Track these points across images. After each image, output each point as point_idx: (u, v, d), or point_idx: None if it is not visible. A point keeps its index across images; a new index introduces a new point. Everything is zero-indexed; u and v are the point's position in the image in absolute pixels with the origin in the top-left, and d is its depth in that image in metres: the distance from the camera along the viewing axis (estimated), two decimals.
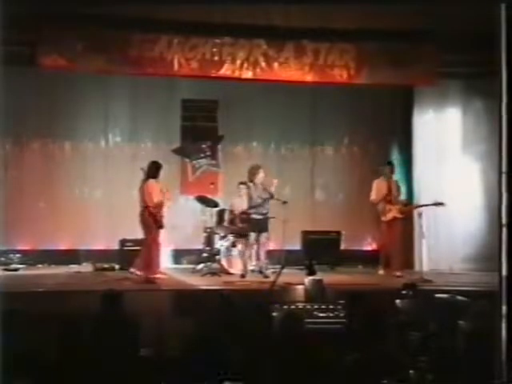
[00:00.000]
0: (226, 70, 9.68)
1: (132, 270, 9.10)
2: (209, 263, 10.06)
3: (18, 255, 10.46)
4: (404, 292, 6.59)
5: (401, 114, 11.33)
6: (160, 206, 9.07)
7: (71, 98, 11.01)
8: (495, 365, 3.85)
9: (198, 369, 4.57)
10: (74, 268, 10.43)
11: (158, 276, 9.00)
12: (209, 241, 10.43)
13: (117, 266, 10.25)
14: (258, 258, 9.68)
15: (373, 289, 8.43)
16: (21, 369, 4.49)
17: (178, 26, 9.37)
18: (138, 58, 9.44)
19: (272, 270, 9.69)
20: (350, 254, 11.10)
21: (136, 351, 5.14)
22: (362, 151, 11.86)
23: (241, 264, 9.86)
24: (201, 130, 11.64)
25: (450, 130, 10.86)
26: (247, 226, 9.69)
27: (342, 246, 11.08)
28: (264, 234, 9.62)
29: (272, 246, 10.61)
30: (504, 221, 3.93)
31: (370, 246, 10.73)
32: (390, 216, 10.05)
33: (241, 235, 10.03)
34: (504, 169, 3.96)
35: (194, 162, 11.70)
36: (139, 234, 9.27)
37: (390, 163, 10.42)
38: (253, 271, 9.94)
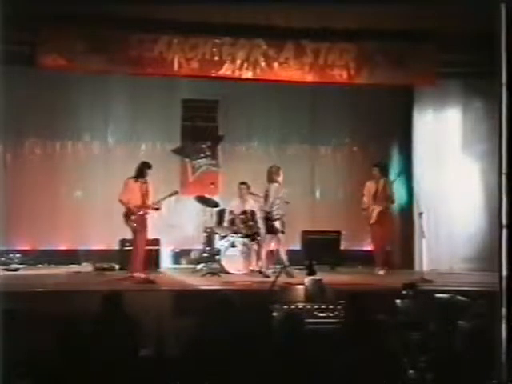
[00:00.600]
0: (225, 70, 9.67)
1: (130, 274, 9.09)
2: (209, 263, 10.07)
3: (17, 255, 10.45)
4: (404, 292, 6.59)
5: (401, 113, 11.32)
6: (138, 207, 9.06)
7: (71, 98, 11.01)
8: (495, 365, 3.85)
9: (198, 369, 4.57)
10: (73, 268, 10.43)
11: (139, 275, 8.95)
12: (209, 241, 10.44)
13: (117, 266, 10.25)
14: (267, 259, 9.67)
15: (373, 289, 8.43)
16: (21, 369, 4.49)
17: (177, 26, 9.37)
18: (137, 58, 9.43)
19: (272, 270, 9.72)
20: (350, 254, 11.09)
21: (136, 351, 5.14)
22: (362, 151, 11.86)
23: (241, 264, 9.87)
24: (201, 130, 11.64)
25: (450, 130, 10.86)
26: (266, 226, 9.70)
27: (342, 246, 11.08)
28: (281, 235, 9.64)
29: (272, 247, 10.62)
30: (504, 221, 3.93)
31: (370, 246, 10.71)
32: (374, 215, 10.16)
33: (247, 235, 10.06)
34: (504, 169, 3.96)
35: (194, 161, 11.70)
36: None
37: (378, 165, 10.44)
38: (253, 271, 9.97)
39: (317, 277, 7.59)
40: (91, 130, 11.36)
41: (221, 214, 10.52)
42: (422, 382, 4.63)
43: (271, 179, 9.71)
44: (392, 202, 10.41)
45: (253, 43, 9.65)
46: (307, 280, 7.43)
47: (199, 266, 10.18)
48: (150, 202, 9.14)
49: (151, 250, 9.87)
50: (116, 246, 10.43)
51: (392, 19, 8.96)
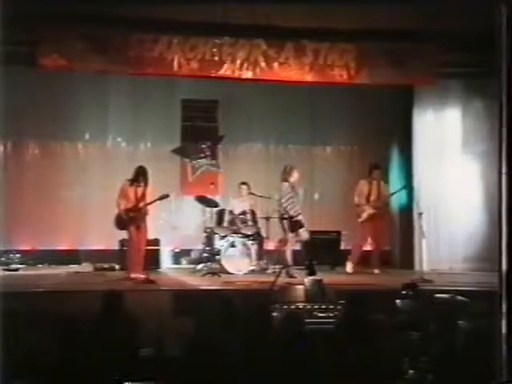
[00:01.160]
0: (225, 70, 9.67)
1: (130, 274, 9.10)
2: (209, 263, 10.07)
3: (18, 255, 10.46)
4: (404, 292, 6.59)
5: (401, 114, 11.32)
6: (127, 210, 9.05)
7: (71, 98, 11.01)
8: (495, 365, 3.85)
9: (198, 369, 4.57)
10: (74, 268, 10.43)
11: (139, 275, 8.95)
12: (209, 241, 10.44)
13: (117, 266, 10.25)
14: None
15: (373, 289, 8.43)
16: (21, 369, 4.49)
17: (177, 26, 9.37)
18: (137, 58, 9.43)
19: (272, 270, 9.73)
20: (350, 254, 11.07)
21: (136, 351, 5.14)
22: (362, 151, 11.85)
23: (241, 264, 9.87)
24: (201, 130, 11.64)
25: (450, 130, 10.85)
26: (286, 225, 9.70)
27: (342, 246, 11.08)
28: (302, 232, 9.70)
29: (272, 246, 10.63)
30: (504, 221, 3.93)
31: (370, 246, 10.70)
32: (364, 216, 10.20)
33: (247, 235, 10.06)
34: (504, 169, 3.96)
35: (194, 162, 11.70)
36: None
37: (374, 165, 10.45)
38: (253, 271, 9.97)
39: (317, 277, 7.60)
40: (91, 130, 11.36)
41: (221, 214, 10.52)
42: (422, 382, 4.63)
43: (283, 179, 9.72)
44: (387, 204, 10.42)
45: (253, 43, 9.65)
46: (307, 280, 7.44)
47: (199, 266, 10.19)
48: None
49: (151, 250, 9.86)
50: (116, 246, 10.44)
51: (392, 19, 8.95)
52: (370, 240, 10.43)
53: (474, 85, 10.24)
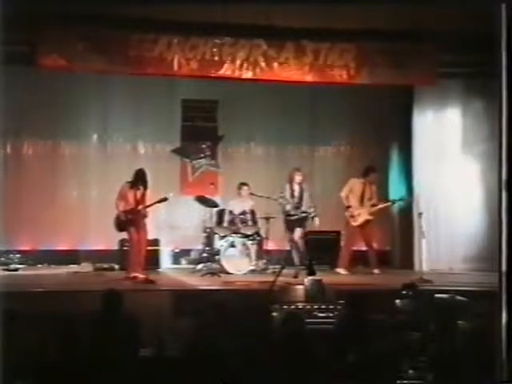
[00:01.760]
0: (225, 70, 9.67)
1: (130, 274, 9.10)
2: (208, 263, 10.07)
3: (17, 255, 10.46)
4: (404, 292, 6.59)
5: (401, 114, 11.32)
6: (126, 212, 9.06)
7: (71, 98, 11.01)
8: (495, 365, 3.85)
9: (197, 369, 4.57)
10: (73, 268, 10.43)
11: (139, 275, 8.94)
12: (208, 241, 10.44)
13: (116, 266, 10.25)
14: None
15: (373, 289, 8.43)
16: (21, 369, 4.49)
17: (177, 26, 9.37)
18: (137, 58, 9.43)
19: (272, 270, 9.72)
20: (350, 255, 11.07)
21: (136, 351, 5.14)
22: (362, 151, 11.85)
23: (241, 264, 9.87)
24: (201, 130, 11.64)
25: (450, 130, 10.86)
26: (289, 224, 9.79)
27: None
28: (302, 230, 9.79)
29: (272, 246, 10.63)
30: (504, 221, 3.93)
31: (365, 247, 10.69)
32: (361, 220, 10.21)
33: (247, 235, 10.06)
34: (504, 169, 3.96)
35: (194, 162, 11.70)
36: None
37: (371, 168, 10.46)
38: (253, 271, 9.97)
39: (317, 277, 7.60)
40: (91, 130, 11.36)
41: (220, 214, 10.51)
42: (422, 382, 4.63)
43: (288, 180, 9.80)
44: (372, 205, 10.41)
45: (253, 43, 9.65)
46: (307, 280, 7.44)
47: (199, 266, 10.18)
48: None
49: (151, 250, 9.86)
50: (116, 246, 10.44)
51: (392, 19, 8.95)
52: (364, 243, 10.42)
53: (474, 85, 10.24)
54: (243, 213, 10.26)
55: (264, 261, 10.30)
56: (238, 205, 10.40)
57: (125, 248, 10.01)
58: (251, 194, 10.40)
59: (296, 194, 9.80)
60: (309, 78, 9.85)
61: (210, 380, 4.49)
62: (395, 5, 8.04)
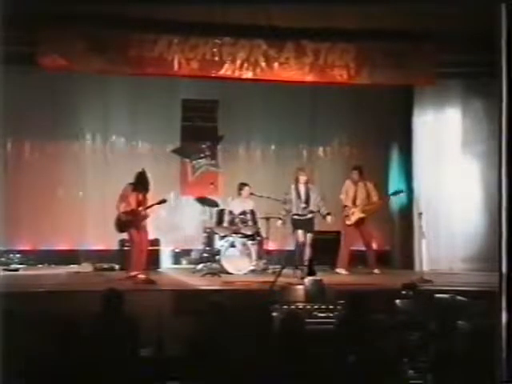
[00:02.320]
0: (226, 70, 9.67)
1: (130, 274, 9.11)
2: (209, 263, 10.07)
3: (18, 255, 10.47)
4: (404, 292, 6.59)
5: (401, 114, 11.32)
6: (126, 213, 9.07)
7: (71, 98, 11.01)
8: (495, 364, 3.85)
9: (197, 369, 4.57)
10: (73, 268, 10.43)
11: (139, 275, 8.94)
12: (209, 241, 10.44)
13: (116, 266, 10.25)
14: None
15: (373, 289, 8.43)
16: (21, 369, 4.49)
17: (177, 26, 9.37)
18: (138, 58, 9.43)
19: (272, 270, 9.73)
20: (350, 254, 11.07)
21: (136, 351, 5.14)
22: (362, 151, 11.84)
23: (241, 264, 9.87)
24: (201, 130, 11.64)
25: (450, 130, 10.86)
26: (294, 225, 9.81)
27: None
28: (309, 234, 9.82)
29: (272, 246, 10.64)
30: (504, 221, 3.93)
31: (364, 247, 10.70)
32: (354, 218, 10.26)
33: (247, 236, 10.06)
34: (504, 169, 3.95)
35: (194, 162, 11.70)
36: None
37: (357, 167, 10.48)
38: (253, 271, 9.98)
39: (317, 277, 7.60)
40: (91, 130, 11.36)
41: (220, 214, 10.51)
42: (422, 382, 4.64)
43: (295, 180, 9.83)
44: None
45: (253, 43, 9.65)
46: (307, 280, 7.44)
47: (199, 266, 10.18)
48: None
49: (151, 250, 9.86)
50: (116, 246, 10.44)
51: (392, 19, 8.95)
52: (362, 243, 10.44)
53: (474, 85, 10.24)
54: (243, 213, 10.26)
55: (264, 261, 10.31)
56: (238, 205, 10.39)
57: (125, 248, 10.02)
58: (251, 194, 10.40)
59: (302, 194, 9.82)
60: (309, 77, 9.86)
61: (210, 379, 4.49)
62: (395, 5, 8.04)
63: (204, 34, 9.53)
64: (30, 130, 11.06)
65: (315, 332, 5.76)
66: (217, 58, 9.61)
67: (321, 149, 12.00)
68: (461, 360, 4.58)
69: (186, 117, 11.60)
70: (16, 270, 10.01)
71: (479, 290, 7.68)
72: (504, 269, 3.91)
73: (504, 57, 3.97)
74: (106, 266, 10.29)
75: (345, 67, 9.82)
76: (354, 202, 10.32)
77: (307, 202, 9.83)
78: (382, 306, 6.10)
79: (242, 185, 10.46)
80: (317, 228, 10.10)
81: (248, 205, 10.40)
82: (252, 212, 10.33)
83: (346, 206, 10.31)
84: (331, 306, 6.80)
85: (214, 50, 9.58)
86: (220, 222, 10.42)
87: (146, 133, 11.53)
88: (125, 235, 9.63)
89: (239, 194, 10.46)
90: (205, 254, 10.34)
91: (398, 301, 6.41)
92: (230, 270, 9.80)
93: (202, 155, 11.71)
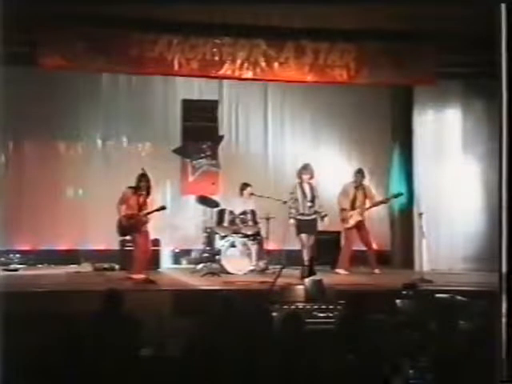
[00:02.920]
0: (226, 70, 9.67)
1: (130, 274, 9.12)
2: (209, 263, 10.07)
3: (17, 255, 10.46)
4: (404, 292, 6.60)
5: (401, 113, 11.32)
6: (127, 217, 9.09)
7: (71, 98, 11.01)
8: (495, 364, 3.85)
9: (198, 369, 4.57)
10: (73, 268, 10.43)
11: (139, 275, 8.95)
12: (209, 241, 10.44)
13: (117, 266, 10.25)
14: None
15: (373, 289, 8.44)
16: (21, 369, 4.50)
17: (178, 26, 9.37)
18: (138, 58, 9.43)
19: (272, 270, 9.72)
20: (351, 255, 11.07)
21: (136, 351, 5.14)
22: (362, 151, 11.83)
23: (241, 264, 9.88)
24: (201, 130, 11.64)
25: (450, 130, 10.86)
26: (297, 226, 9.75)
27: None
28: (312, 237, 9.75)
29: (272, 246, 10.63)
30: (504, 221, 3.93)
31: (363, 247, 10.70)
32: (352, 222, 10.26)
33: (247, 235, 10.04)
34: (504, 169, 3.96)
35: (195, 162, 11.70)
36: None
37: (360, 170, 10.49)
38: (254, 271, 9.98)
39: (317, 277, 7.60)
40: (91, 129, 11.36)
41: (221, 214, 10.50)
42: (422, 382, 4.64)
43: (299, 179, 9.79)
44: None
45: (253, 43, 9.64)
46: (307, 280, 7.44)
47: (199, 266, 10.19)
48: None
49: (151, 249, 9.85)
50: (116, 246, 10.44)
51: (392, 19, 8.95)
52: (362, 244, 10.44)
53: (474, 85, 10.23)
54: (244, 213, 10.25)
55: (264, 261, 10.30)
56: (240, 205, 10.39)
57: (125, 248, 10.02)
58: (252, 194, 10.40)
59: (308, 193, 9.78)
60: (309, 77, 9.85)
61: (210, 379, 4.49)
62: (395, 5, 8.04)
63: (204, 33, 9.53)
64: (30, 129, 11.05)
65: (315, 332, 5.76)
66: (217, 58, 9.60)
67: (319, 148, 11.97)
68: (461, 360, 4.58)
69: (186, 117, 11.60)
70: (16, 270, 10.01)
71: (479, 289, 7.67)
72: (504, 269, 3.91)
73: (504, 57, 3.98)
74: (106, 265, 10.29)
75: (345, 67, 9.81)
76: (352, 205, 10.31)
77: (313, 201, 9.78)
78: (382, 306, 6.10)
79: (245, 185, 10.45)
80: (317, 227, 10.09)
81: (248, 205, 10.40)
82: (252, 212, 10.33)
83: (343, 209, 10.29)
84: (331, 306, 6.80)
85: (214, 49, 9.57)
86: (220, 221, 10.41)
87: (146, 133, 11.52)
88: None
89: (241, 195, 10.46)
90: (205, 254, 10.33)
91: (398, 301, 6.41)
92: (230, 270, 9.80)
93: (203, 155, 11.70)
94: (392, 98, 11.42)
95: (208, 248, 10.36)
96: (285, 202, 9.83)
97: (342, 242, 10.62)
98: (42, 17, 8.84)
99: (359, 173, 10.46)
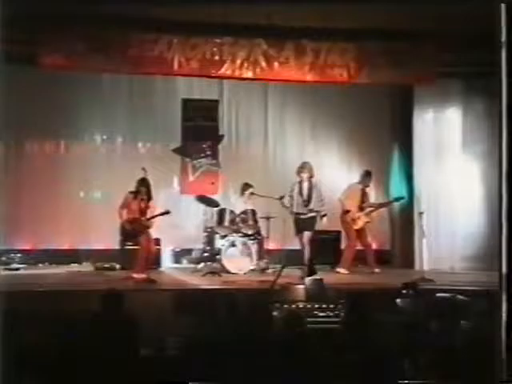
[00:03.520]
0: (226, 70, 9.68)
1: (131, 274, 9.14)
2: (209, 263, 10.07)
3: (18, 255, 10.46)
4: (404, 291, 6.60)
5: (401, 113, 11.32)
6: (130, 222, 9.11)
7: (71, 98, 11.00)
8: (495, 364, 3.86)
9: (198, 369, 4.58)
10: (74, 268, 10.43)
11: (140, 275, 8.95)
12: (209, 240, 10.44)
13: (117, 266, 10.26)
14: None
15: (373, 288, 8.44)
16: (21, 369, 4.50)
17: (177, 26, 9.37)
18: (138, 58, 9.43)
19: (272, 270, 9.73)
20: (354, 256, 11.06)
21: (136, 351, 5.14)
22: (362, 151, 11.83)
23: (242, 263, 9.88)
24: (201, 130, 11.64)
25: (450, 130, 10.86)
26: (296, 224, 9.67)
27: (342, 246, 11.07)
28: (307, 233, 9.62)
29: (272, 246, 10.63)
30: (504, 220, 3.94)
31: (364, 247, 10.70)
32: (360, 223, 10.32)
33: (248, 235, 10.07)
34: (504, 169, 3.97)
35: (195, 161, 11.70)
36: None
37: (368, 173, 10.52)
38: (254, 270, 9.98)
39: (317, 276, 7.60)
40: (91, 129, 11.35)
41: (221, 213, 10.50)
42: (422, 382, 4.64)
43: (298, 177, 9.71)
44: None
45: (253, 43, 9.65)
46: (307, 280, 7.44)
47: (200, 266, 10.19)
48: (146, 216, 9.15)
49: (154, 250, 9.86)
50: (117, 246, 10.43)
51: (392, 19, 8.95)
52: (361, 244, 10.45)
53: (474, 84, 10.23)
54: (244, 212, 10.25)
55: (265, 260, 10.31)
56: (241, 205, 10.38)
57: (126, 247, 10.02)
58: (252, 193, 10.39)
59: (305, 191, 9.65)
60: (309, 77, 9.85)
61: (210, 379, 4.49)
62: (395, 5, 8.05)
63: (204, 33, 9.53)
64: (31, 129, 11.05)
65: (315, 331, 5.77)
66: (217, 58, 9.61)
67: (319, 148, 11.96)
68: (461, 359, 4.58)
69: (186, 117, 11.60)
70: (16, 269, 10.02)
71: (479, 289, 7.68)
72: (504, 268, 3.92)
73: (504, 56, 3.98)
74: (106, 265, 10.29)
75: (345, 67, 9.81)
76: (360, 207, 10.31)
77: (309, 200, 9.66)
78: (382, 306, 6.10)
79: (246, 185, 10.45)
80: (317, 227, 10.09)
81: (249, 204, 10.40)
82: (252, 211, 10.33)
83: (349, 210, 10.28)
84: (332, 306, 6.80)
85: (214, 49, 9.58)
86: (221, 221, 10.41)
87: (146, 133, 11.52)
88: None
89: (242, 194, 10.46)
90: (205, 254, 10.34)
91: (398, 300, 6.42)
92: (231, 270, 9.80)
93: (203, 154, 11.70)
94: (392, 98, 11.41)
95: (208, 247, 10.36)
96: (281, 198, 9.70)
97: (345, 242, 10.60)
98: (42, 17, 8.84)
99: (368, 175, 10.45)
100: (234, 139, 11.81)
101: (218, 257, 10.04)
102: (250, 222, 10.25)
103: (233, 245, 9.99)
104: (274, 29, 9.51)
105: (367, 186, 10.47)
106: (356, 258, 10.50)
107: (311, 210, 9.64)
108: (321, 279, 7.51)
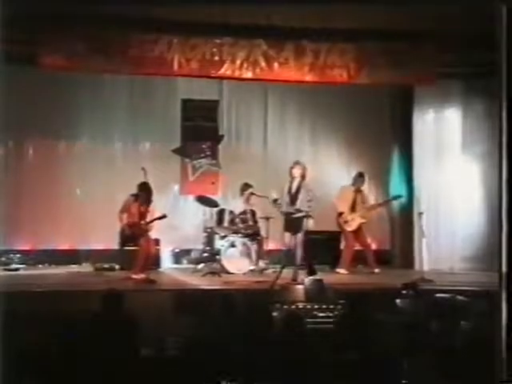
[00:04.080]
0: (225, 70, 9.68)
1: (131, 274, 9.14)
2: (209, 263, 10.07)
3: (18, 255, 10.46)
4: (404, 291, 6.60)
5: (401, 114, 11.32)
6: (130, 225, 9.17)
7: (71, 98, 11.00)
8: (495, 364, 3.86)
9: (198, 369, 4.57)
10: (74, 268, 10.43)
11: (140, 275, 8.96)
12: (209, 241, 10.44)
13: (117, 266, 10.25)
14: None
15: (373, 288, 8.44)
16: (21, 369, 4.50)
17: (177, 26, 9.37)
18: (138, 58, 9.43)
19: (272, 270, 9.73)
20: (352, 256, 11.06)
21: (136, 351, 5.14)
22: (362, 151, 11.83)
23: (241, 264, 9.88)
24: (201, 130, 11.64)
25: (450, 130, 10.86)
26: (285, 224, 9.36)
27: (342, 246, 11.07)
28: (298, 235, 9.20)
29: (272, 246, 10.63)
30: (504, 221, 3.94)
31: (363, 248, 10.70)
32: (354, 225, 10.29)
33: (247, 235, 10.04)
34: (504, 169, 3.96)
35: (195, 161, 11.70)
36: None
37: (361, 174, 10.52)
38: (253, 271, 9.98)
39: (317, 277, 7.60)
40: (91, 129, 11.34)
41: (221, 213, 10.51)
42: (422, 382, 4.64)
43: (290, 175, 9.44)
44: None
45: (253, 43, 9.65)
46: (307, 280, 7.44)
47: (200, 266, 10.19)
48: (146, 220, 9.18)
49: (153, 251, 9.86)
50: (116, 246, 10.43)
51: (392, 19, 8.95)
52: (360, 245, 10.44)
53: (474, 85, 10.23)
54: (243, 212, 10.25)
55: (265, 261, 10.31)
56: (240, 205, 10.38)
57: (125, 248, 10.01)
58: (252, 193, 10.39)
59: (293, 189, 9.18)
60: (309, 77, 9.85)
61: (210, 379, 4.49)
62: (395, 5, 8.04)
63: (204, 33, 9.53)
64: (31, 129, 11.05)
65: (315, 331, 5.76)
66: (217, 58, 9.61)
67: (319, 148, 11.96)
68: (461, 360, 4.58)
69: (186, 117, 11.60)
70: (16, 269, 10.02)
71: (479, 289, 7.68)
72: (504, 268, 3.92)
73: (504, 57, 3.98)
74: (106, 265, 10.29)
75: (345, 67, 9.81)
76: (352, 208, 10.32)
77: (295, 199, 9.09)
78: (382, 306, 6.10)
79: (246, 186, 10.44)
80: (317, 227, 10.08)
81: (248, 205, 10.40)
82: (252, 212, 10.33)
83: (342, 212, 10.28)
84: (331, 306, 6.81)
85: (214, 49, 9.57)
86: (220, 221, 10.42)
87: (147, 133, 11.51)
88: None
89: (242, 195, 10.45)
90: (205, 254, 10.34)
91: (398, 300, 6.42)
92: (231, 270, 9.80)
93: (203, 155, 11.70)
94: (392, 99, 11.41)
95: (208, 248, 10.36)
96: (275, 200, 9.30)
97: (344, 244, 10.61)
98: (42, 17, 8.83)
99: (360, 177, 10.47)
100: (234, 139, 11.81)
101: (217, 257, 10.04)
102: (250, 223, 10.25)
103: (232, 245, 9.99)
104: (273, 29, 9.50)
105: (360, 187, 10.47)
106: (356, 259, 10.51)
107: (298, 210, 9.10)
108: (320, 279, 7.51)
